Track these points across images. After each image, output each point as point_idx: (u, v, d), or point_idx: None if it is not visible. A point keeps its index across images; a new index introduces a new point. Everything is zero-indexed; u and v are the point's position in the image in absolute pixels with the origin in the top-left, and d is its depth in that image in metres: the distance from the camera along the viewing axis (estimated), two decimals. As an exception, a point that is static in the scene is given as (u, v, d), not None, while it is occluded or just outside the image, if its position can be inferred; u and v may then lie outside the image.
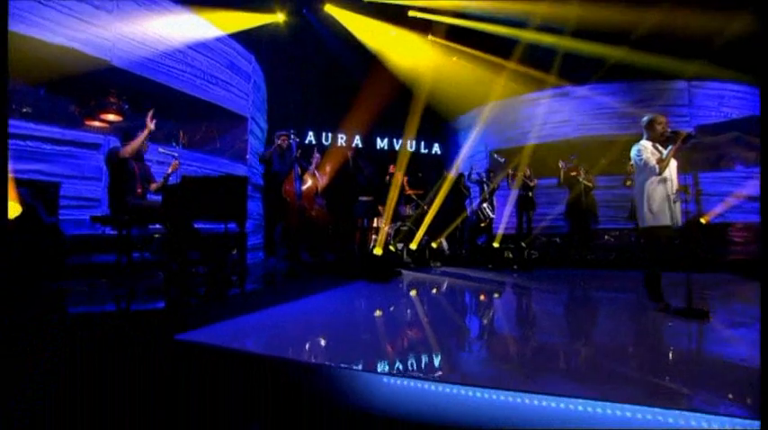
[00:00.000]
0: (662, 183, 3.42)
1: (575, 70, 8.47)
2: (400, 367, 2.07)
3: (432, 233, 7.73)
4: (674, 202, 3.41)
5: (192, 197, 3.76)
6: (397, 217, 7.83)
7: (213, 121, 6.56)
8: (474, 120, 10.15)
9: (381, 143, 10.19)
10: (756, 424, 1.39)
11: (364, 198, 7.36)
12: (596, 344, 2.80)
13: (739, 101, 7.94)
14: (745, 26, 5.67)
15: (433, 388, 1.84)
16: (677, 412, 1.50)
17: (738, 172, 7.43)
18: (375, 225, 7.53)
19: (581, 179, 7.34)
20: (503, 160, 8.35)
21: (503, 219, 8.33)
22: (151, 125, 3.97)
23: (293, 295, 4.06)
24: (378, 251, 5.86)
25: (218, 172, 6.22)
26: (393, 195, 8.05)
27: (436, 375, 2.04)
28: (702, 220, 6.86)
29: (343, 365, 2.07)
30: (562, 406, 1.57)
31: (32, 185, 3.57)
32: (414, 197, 8.20)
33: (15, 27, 4.15)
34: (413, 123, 9.02)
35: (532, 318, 3.79)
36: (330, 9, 8.63)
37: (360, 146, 9.95)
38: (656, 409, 1.50)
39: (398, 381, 1.89)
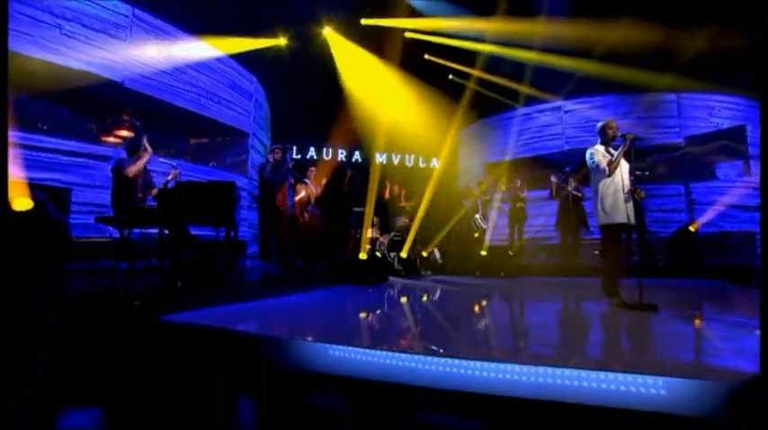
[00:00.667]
0: (613, 183, 3.63)
1: (564, 85, 8.76)
2: (344, 341, 2.33)
3: (425, 243, 7.98)
4: (626, 201, 3.60)
5: (183, 200, 4.16)
6: (392, 227, 8.15)
7: (216, 137, 7.07)
8: (471, 135, 10.48)
9: (380, 158, 10.57)
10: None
11: (358, 209, 7.72)
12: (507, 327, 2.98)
13: (730, 111, 8.03)
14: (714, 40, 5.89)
15: (364, 355, 2.09)
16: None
17: (726, 180, 7.47)
18: (370, 235, 7.86)
19: (569, 189, 7.51)
20: None
21: (491, 229, 8.51)
22: (149, 149, 4.42)
23: (277, 292, 4.38)
24: (362, 256, 6.13)
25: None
26: (391, 208, 8.42)
27: (369, 344, 2.29)
28: (692, 228, 6.89)
29: (296, 337, 2.35)
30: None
31: (45, 190, 4.04)
32: (408, 208, 8.50)
33: (41, 55, 4.77)
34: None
35: (470, 308, 3.98)
36: (328, 35, 9.21)
37: (359, 160, 10.38)
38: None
39: (339, 350, 2.14)
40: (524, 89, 9.04)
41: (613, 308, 3.50)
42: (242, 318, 3.17)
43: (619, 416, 1.52)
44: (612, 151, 3.79)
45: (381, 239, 7.87)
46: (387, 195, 8.57)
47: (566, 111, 8.82)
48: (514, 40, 8.00)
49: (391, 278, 6.44)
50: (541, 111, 9.16)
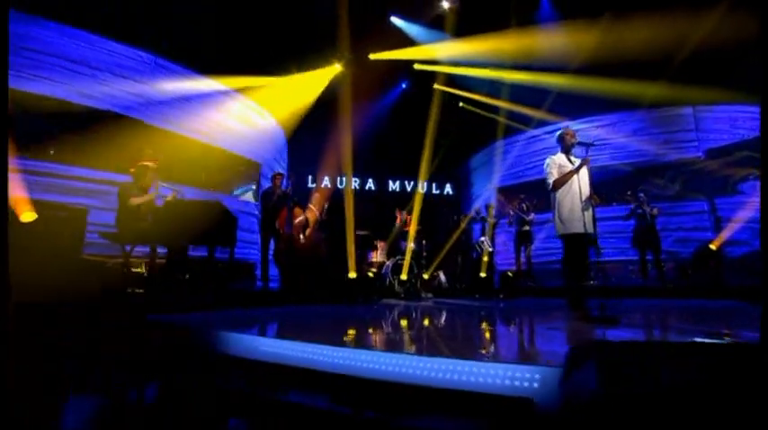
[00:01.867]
0: (570, 192, 3.56)
1: (572, 106, 8.66)
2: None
3: (429, 266, 7.97)
4: (584, 210, 3.52)
5: (174, 217, 4.61)
6: (397, 251, 8.23)
7: (228, 166, 7.69)
8: (483, 160, 10.50)
9: (393, 185, 10.84)
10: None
11: (361, 232, 7.93)
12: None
13: (755, 122, 7.48)
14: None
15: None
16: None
17: (751, 195, 6.85)
18: (374, 259, 7.99)
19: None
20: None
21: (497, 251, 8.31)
22: (156, 190, 4.98)
23: (259, 305, 4.62)
24: (352, 275, 6.24)
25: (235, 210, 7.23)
26: (398, 232, 8.53)
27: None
28: (712, 247, 6.33)
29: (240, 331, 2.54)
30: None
31: (64, 209, 4.66)
32: (413, 233, 8.56)
33: (77, 100, 5.63)
34: (422, 168, 9.66)
35: (416, 319, 3.90)
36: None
37: (373, 188, 10.71)
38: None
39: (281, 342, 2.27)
40: (532, 112, 9.04)
41: (574, 321, 3.34)
42: (215, 319, 3.39)
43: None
44: (573, 159, 3.75)
45: (387, 263, 7.96)
46: (398, 221, 8.69)
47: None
48: (511, 61, 8.11)
49: (387, 300, 6.46)
50: (550, 132, 9.05)
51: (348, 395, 1.74)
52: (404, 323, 3.53)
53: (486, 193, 10.20)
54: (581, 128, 8.60)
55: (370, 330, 2.98)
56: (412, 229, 8.63)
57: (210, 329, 2.63)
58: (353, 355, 1.81)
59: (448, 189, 11.17)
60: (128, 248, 4.84)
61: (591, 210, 3.55)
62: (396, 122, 10.57)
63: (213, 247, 5.22)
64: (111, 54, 6.04)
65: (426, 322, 3.57)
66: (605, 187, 8.70)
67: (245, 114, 7.85)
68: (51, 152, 5.70)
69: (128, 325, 2.84)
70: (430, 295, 7.44)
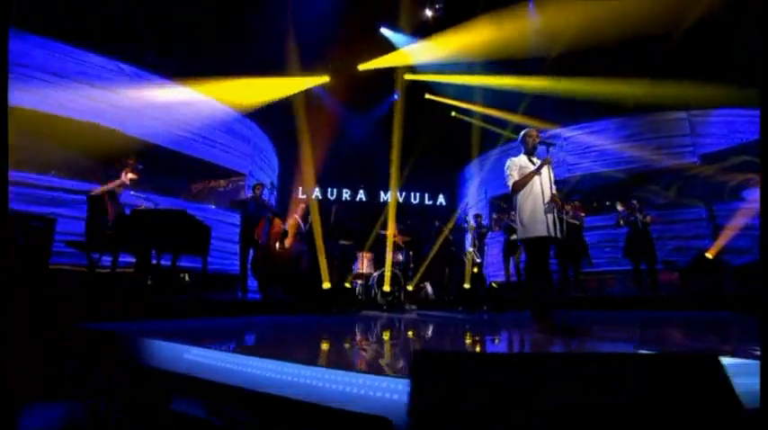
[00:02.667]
0: (531, 194, 3.37)
1: (562, 113, 8.48)
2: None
3: (415, 277, 7.75)
4: (546, 213, 3.31)
5: (139, 225, 4.54)
6: (384, 262, 8.05)
7: (213, 177, 7.68)
8: (475, 169, 10.32)
9: (385, 196, 10.71)
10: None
11: (344, 242, 7.78)
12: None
13: (754, 125, 7.16)
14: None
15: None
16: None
17: (751, 201, 6.48)
18: (361, 269, 7.81)
19: (565, 217, 6.99)
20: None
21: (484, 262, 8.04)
22: (125, 179, 4.98)
23: (221, 315, 4.48)
24: (326, 285, 6.07)
25: (212, 219, 7.17)
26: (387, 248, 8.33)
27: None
28: (709, 255, 5.97)
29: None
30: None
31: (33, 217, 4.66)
32: (402, 244, 8.36)
33: (60, 111, 5.70)
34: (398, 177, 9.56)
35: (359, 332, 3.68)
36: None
37: (364, 199, 10.59)
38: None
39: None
40: (521, 120, 8.87)
41: (536, 333, 3.10)
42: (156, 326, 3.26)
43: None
44: (535, 160, 3.57)
45: (374, 274, 7.77)
46: (390, 232, 8.49)
47: (565, 139, 8.44)
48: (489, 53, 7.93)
49: (367, 312, 6.25)
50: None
51: (224, 402, 1.58)
52: (339, 334, 3.32)
53: (480, 204, 9.98)
54: (572, 135, 8.39)
55: (288, 340, 2.82)
56: (389, 240, 8.46)
57: (133, 337, 2.51)
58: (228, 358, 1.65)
59: (441, 199, 10.98)
60: (95, 256, 4.79)
61: (554, 212, 3.35)
62: (386, 133, 10.50)
63: (177, 255, 5.13)
64: (89, 65, 6.14)
65: (363, 335, 3.34)
66: (597, 194, 8.43)
67: (228, 125, 7.86)
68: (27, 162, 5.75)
69: (47, 333, 2.73)
70: (414, 307, 7.19)
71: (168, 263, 4.98)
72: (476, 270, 8.00)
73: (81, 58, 6.06)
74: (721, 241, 6.10)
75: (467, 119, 10.35)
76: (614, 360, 1.21)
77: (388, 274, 7.13)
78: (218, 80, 7.37)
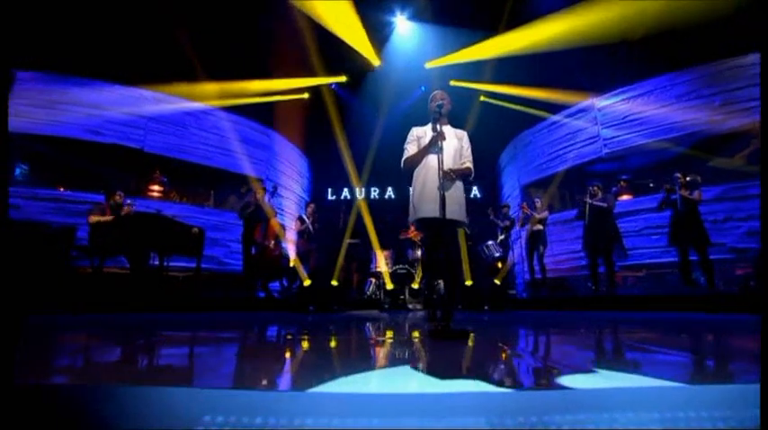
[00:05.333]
0: (423, 169, 2.86)
1: (599, 77, 7.22)
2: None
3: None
4: (440, 190, 2.75)
5: (128, 230, 5.06)
6: (404, 260, 7.77)
7: (228, 183, 8.20)
8: (510, 156, 9.37)
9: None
10: None
11: (352, 241, 7.66)
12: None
13: None
14: None
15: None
16: None
17: None
18: (378, 268, 7.64)
19: (589, 202, 5.90)
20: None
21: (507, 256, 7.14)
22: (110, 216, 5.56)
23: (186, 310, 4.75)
24: (306, 283, 5.97)
25: (230, 224, 7.70)
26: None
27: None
28: None
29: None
30: None
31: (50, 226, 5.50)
32: (418, 241, 7.93)
33: (88, 137, 6.67)
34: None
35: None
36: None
37: (393, 196, 10.33)
38: None
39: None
40: (553, 96, 7.78)
41: (427, 334, 2.60)
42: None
43: None
44: (439, 128, 3.02)
45: (382, 271, 7.53)
46: (410, 233, 8.16)
47: (599, 110, 7.12)
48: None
49: (358, 312, 6.02)
50: (572, 114, 7.63)
51: None
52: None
53: (514, 193, 9.00)
54: (608, 104, 7.05)
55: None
56: (413, 235, 8.04)
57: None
58: None
59: (475, 192, 10.15)
60: (96, 262, 5.46)
61: (454, 190, 2.80)
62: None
63: (162, 256, 5.57)
64: (117, 95, 7.05)
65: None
66: (645, 173, 6.98)
67: (242, 133, 8.34)
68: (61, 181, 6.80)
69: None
70: (419, 306, 6.74)
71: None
72: (499, 265, 7.18)
73: (109, 89, 7.02)
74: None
75: (497, 102, 9.44)
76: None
77: (386, 274, 6.82)
78: (232, 86, 7.92)
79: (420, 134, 2.98)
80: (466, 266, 6.90)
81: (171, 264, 6.38)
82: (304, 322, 3.74)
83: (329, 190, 10.52)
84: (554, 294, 6.25)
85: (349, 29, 8.67)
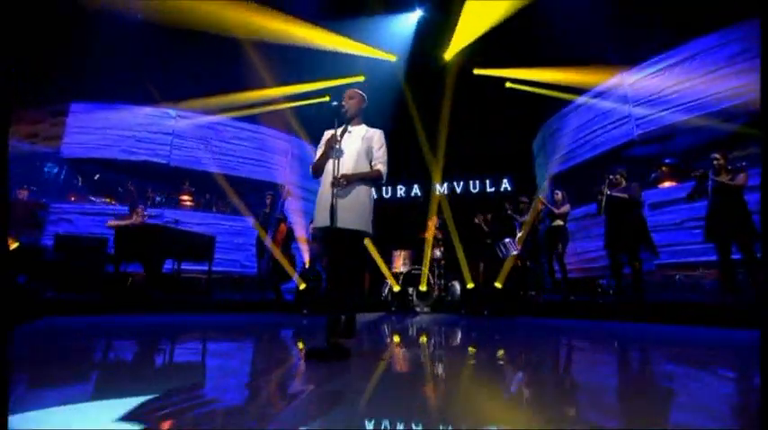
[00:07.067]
0: (324, 176, 2.64)
1: (627, 46, 6.26)
2: None
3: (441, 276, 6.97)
4: (335, 197, 2.51)
5: (140, 239, 5.60)
6: (422, 260, 7.55)
7: (251, 191, 8.61)
8: (537, 146, 8.58)
9: (441, 188, 9.89)
10: None
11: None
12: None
13: None
14: None
15: None
16: None
17: None
18: (396, 268, 7.52)
19: (608, 192, 5.14)
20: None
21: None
22: (134, 220, 6.11)
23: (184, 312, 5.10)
24: (301, 286, 5.99)
25: (247, 228, 8.13)
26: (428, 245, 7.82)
27: None
28: None
29: None
30: None
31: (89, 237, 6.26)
32: (440, 239, 7.60)
33: (123, 156, 7.48)
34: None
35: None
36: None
37: (419, 193, 10.08)
38: None
39: None
40: (570, 77, 6.93)
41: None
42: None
43: None
44: (353, 130, 2.80)
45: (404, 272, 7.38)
46: (430, 230, 7.90)
47: (630, 85, 6.12)
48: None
49: (364, 314, 5.94)
50: (599, 93, 6.68)
51: None
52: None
53: (543, 184, 8.20)
54: (637, 78, 6.04)
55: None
56: (429, 236, 7.72)
57: None
58: None
59: (505, 184, 9.40)
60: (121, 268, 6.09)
61: (352, 196, 2.53)
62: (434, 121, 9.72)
63: (162, 261, 6.05)
64: (142, 115, 7.79)
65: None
66: (695, 155, 5.92)
67: (261, 141, 8.70)
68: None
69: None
70: (426, 309, 6.46)
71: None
72: (519, 263, 6.60)
73: (138, 113, 7.79)
74: None
75: (524, 88, 8.67)
76: None
77: (390, 275, 6.63)
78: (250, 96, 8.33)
79: (328, 137, 2.79)
80: (466, 268, 6.47)
81: (190, 268, 6.94)
82: (298, 325, 3.78)
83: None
84: (568, 299, 5.54)
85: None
